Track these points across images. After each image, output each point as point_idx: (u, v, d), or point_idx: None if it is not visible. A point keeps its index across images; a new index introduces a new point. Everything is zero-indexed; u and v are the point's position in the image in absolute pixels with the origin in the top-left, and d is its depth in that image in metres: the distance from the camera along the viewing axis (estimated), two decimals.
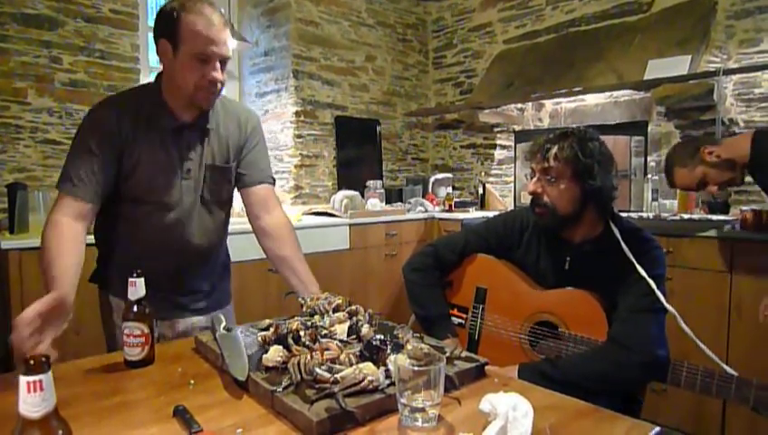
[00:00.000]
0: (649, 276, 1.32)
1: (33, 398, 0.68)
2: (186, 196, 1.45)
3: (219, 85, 1.38)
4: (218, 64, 1.36)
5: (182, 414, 0.91)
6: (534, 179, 1.45)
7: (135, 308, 1.18)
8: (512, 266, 1.57)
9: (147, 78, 3.35)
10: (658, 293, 1.31)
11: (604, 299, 1.36)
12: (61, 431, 0.71)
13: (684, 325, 1.40)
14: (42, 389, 0.68)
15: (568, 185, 1.40)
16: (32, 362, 0.68)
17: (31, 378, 0.68)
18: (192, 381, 1.10)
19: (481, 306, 1.57)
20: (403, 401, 0.88)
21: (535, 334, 1.44)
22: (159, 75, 1.44)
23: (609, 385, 1.29)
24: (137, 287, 1.18)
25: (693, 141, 2.21)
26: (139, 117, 1.39)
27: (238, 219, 3.18)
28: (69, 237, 1.30)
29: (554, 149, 1.40)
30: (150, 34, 3.48)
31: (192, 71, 1.33)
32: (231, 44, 1.42)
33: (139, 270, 1.19)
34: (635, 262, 1.34)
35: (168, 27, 1.33)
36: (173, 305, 1.52)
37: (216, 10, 1.36)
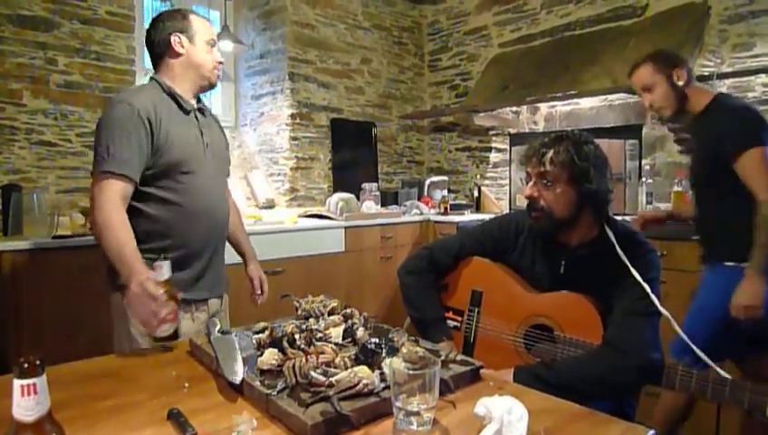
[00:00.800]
0: (644, 280, 1.33)
1: (26, 401, 0.68)
2: (209, 165, 1.70)
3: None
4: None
5: (176, 417, 0.91)
6: (530, 184, 1.45)
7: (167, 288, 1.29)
8: (507, 270, 1.57)
9: (142, 80, 3.35)
10: (653, 296, 1.32)
11: (599, 303, 1.37)
12: None
13: (678, 328, 1.41)
14: (36, 392, 0.68)
15: (564, 189, 1.40)
16: (25, 365, 0.68)
17: (25, 381, 0.67)
18: (186, 385, 1.10)
19: (476, 309, 1.57)
20: (398, 404, 0.88)
21: (531, 338, 1.44)
22: (152, 78, 1.70)
23: (604, 388, 1.30)
24: (164, 269, 1.32)
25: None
26: (162, 102, 1.62)
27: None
28: (126, 221, 1.49)
29: (550, 154, 1.40)
30: None
31: (208, 53, 1.69)
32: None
33: (164, 255, 1.35)
34: (630, 266, 1.35)
35: (180, 24, 1.66)
36: (206, 286, 1.73)
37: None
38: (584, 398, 1.06)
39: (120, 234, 1.44)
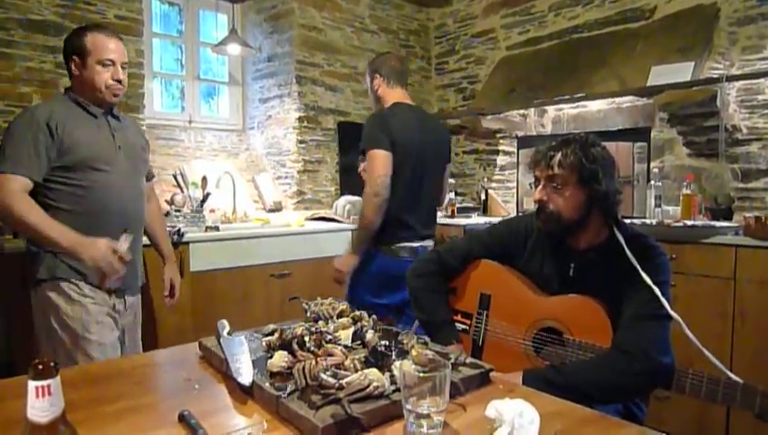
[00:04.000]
0: (654, 283, 1.32)
1: (41, 403, 0.68)
2: (122, 163, 1.87)
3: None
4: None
5: (187, 419, 0.91)
6: (540, 187, 1.45)
7: None
8: (515, 272, 1.57)
9: (149, 83, 3.37)
10: (663, 299, 1.31)
11: (609, 306, 1.36)
12: None
13: (688, 332, 1.40)
14: (50, 394, 0.69)
15: (573, 191, 1.40)
16: (40, 366, 0.68)
17: (39, 383, 0.68)
18: (197, 386, 1.10)
19: (485, 313, 1.57)
20: (408, 407, 0.88)
21: (540, 341, 1.44)
22: (67, 89, 1.91)
23: (613, 392, 1.29)
24: (125, 240, 1.69)
25: None
26: (68, 108, 1.82)
27: (241, 224, 3.20)
28: (35, 204, 1.69)
29: (558, 156, 1.40)
30: (156, 40, 3.51)
31: (98, 74, 1.82)
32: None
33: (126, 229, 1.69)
34: (639, 268, 1.34)
35: (78, 44, 1.83)
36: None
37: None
38: (594, 402, 1.05)
39: (42, 216, 1.68)
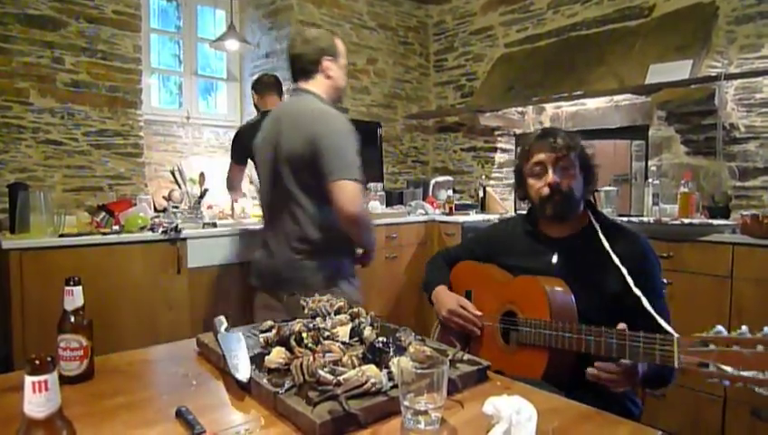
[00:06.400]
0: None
1: (37, 398, 0.68)
2: None
3: None
4: None
5: (184, 415, 0.91)
6: (551, 171, 1.46)
7: (72, 319, 1.10)
8: (490, 266, 1.61)
9: (147, 79, 3.36)
10: (629, 278, 1.32)
11: (592, 289, 1.38)
12: (65, 432, 0.71)
13: (651, 308, 1.34)
14: (47, 389, 0.68)
15: (577, 172, 1.47)
16: (37, 361, 0.68)
17: (36, 378, 0.68)
18: (194, 383, 1.10)
19: None
20: (406, 403, 0.88)
21: (505, 325, 1.47)
22: (307, 92, 1.90)
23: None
24: (74, 296, 1.11)
25: None
26: None
27: (239, 220, 3.18)
28: None
29: (561, 140, 1.45)
30: (153, 36, 3.49)
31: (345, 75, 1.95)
32: None
33: (77, 277, 1.12)
34: (612, 253, 1.38)
35: (330, 48, 1.88)
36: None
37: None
38: (598, 398, 1.06)
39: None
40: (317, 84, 1.90)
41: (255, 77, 3.05)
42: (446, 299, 1.58)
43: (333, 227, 1.81)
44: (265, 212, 2.03)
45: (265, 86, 2.92)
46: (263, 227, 2.08)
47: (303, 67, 1.90)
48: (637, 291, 1.31)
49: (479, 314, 1.51)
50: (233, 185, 2.83)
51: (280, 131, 1.86)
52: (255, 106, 3.01)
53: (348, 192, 1.72)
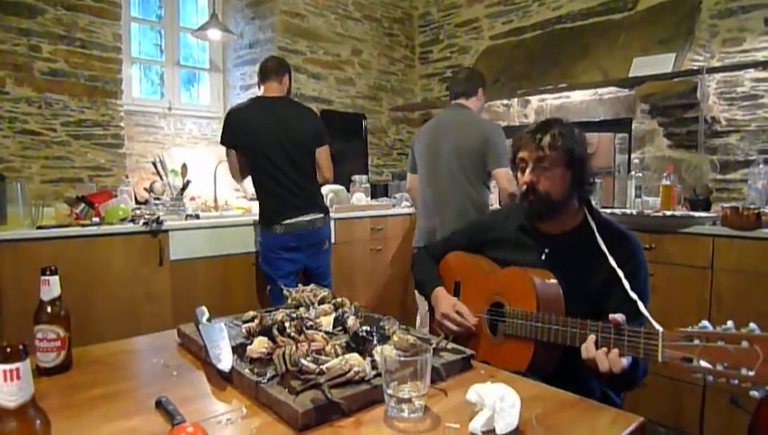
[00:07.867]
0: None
1: (9, 387, 0.66)
2: None
3: None
4: None
5: (164, 406, 0.89)
6: (529, 170, 1.44)
7: (49, 309, 1.08)
8: (478, 256, 1.61)
9: (128, 68, 3.30)
10: (625, 281, 1.31)
11: (580, 288, 1.37)
12: (38, 421, 0.69)
13: (646, 312, 1.36)
14: (18, 377, 0.66)
15: (561, 172, 1.41)
16: (8, 349, 0.66)
17: (7, 366, 0.66)
18: (175, 373, 1.08)
19: (458, 299, 1.58)
20: (389, 391, 0.87)
21: (493, 316, 1.46)
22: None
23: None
24: (51, 286, 1.09)
25: None
26: None
27: (222, 212, 3.15)
28: None
29: (547, 138, 1.41)
30: (134, 24, 3.42)
31: None
32: None
33: (53, 267, 1.12)
34: (608, 255, 1.35)
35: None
36: None
37: None
38: (581, 387, 1.06)
39: None
40: (472, 103, 2.76)
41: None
42: (443, 303, 1.57)
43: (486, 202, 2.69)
44: (429, 195, 2.71)
45: (265, 72, 2.71)
46: (429, 210, 2.72)
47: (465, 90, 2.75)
48: (633, 295, 1.30)
49: (474, 320, 1.48)
50: (239, 172, 2.64)
51: (453, 132, 2.65)
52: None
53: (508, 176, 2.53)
